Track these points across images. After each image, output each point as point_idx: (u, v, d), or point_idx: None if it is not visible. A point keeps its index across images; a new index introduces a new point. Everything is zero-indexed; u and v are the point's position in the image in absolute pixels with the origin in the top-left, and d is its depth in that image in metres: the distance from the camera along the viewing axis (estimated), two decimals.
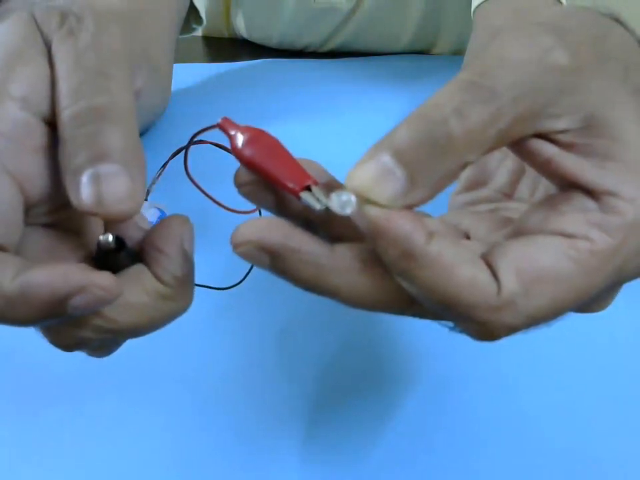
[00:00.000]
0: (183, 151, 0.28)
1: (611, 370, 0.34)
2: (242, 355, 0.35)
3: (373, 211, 0.17)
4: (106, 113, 0.20)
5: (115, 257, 0.21)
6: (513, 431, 0.30)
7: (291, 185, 0.19)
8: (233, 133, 0.20)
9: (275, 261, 0.18)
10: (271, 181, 0.19)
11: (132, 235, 0.22)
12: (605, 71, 0.20)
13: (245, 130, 0.20)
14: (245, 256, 0.18)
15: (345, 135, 0.57)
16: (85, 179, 0.19)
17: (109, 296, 0.19)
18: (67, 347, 0.21)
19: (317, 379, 0.33)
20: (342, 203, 0.17)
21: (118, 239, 0.21)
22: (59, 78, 0.21)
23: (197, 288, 0.22)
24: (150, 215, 0.43)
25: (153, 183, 0.46)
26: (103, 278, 0.19)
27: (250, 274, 0.37)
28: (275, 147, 0.20)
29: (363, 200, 0.17)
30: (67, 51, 0.21)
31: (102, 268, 0.21)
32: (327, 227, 0.21)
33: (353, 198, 0.17)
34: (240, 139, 0.20)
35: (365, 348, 0.35)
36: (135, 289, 0.20)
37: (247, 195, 0.21)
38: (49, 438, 0.30)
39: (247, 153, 0.20)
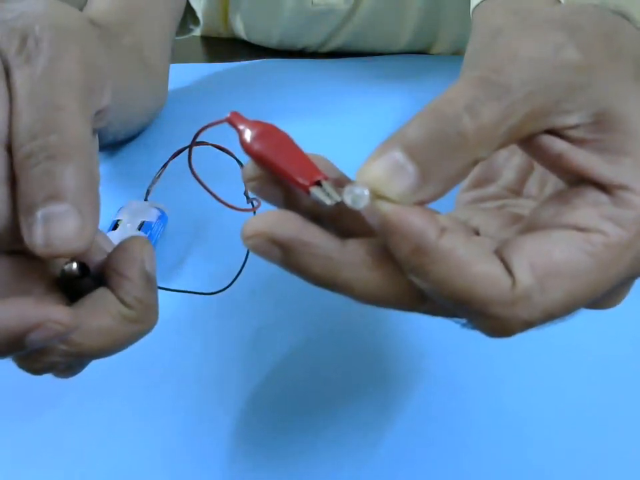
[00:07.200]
0: (184, 151, 0.28)
1: (616, 371, 0.34)
2: (235, 357, 0.35)
3: (384, 207, 0.17)
4: (57, 152, 0.20)
5: (79, 283, 0.22)
6: (513, 432, 0.30)
7: (300, 180, 0.19)
8: (241, 127, 0.20)
9: (286, 255, 0.18)
10: (280, 175, 0.19)
11: (95, 258, 0.23)
12: (616, 67, 0.20)
13: (254, 124, 0.20)
14: (255, 249, 0.18)
15: (344, 134, 0.57)
16: (35, 220, 0.19)
17: (66, 329, 0.19)
18: (36, 371, 0.21)
19: (312, 381, 0.33)
20: (355, 197, 0.17)
21: (81, 266, 0.21)
22: (15, 112, 0.21)
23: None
24: (150, 215, 0.43)
25: (153, 182, 0.46)
26: (59, 312, 0.19)
27: (241, 276, 0.37)
28: (284, 142, 0.20)
29: (374, 195, 0.17)
30: (23, 82, 0.21)
31: (66, 293, 0.22)
32: (336, 223, 0.20)
33: (366, 192, 0.17)
34: (249, 133, 0.20)
35: (361, 349, 0.35)
36: (99, 312, 0.21)
37: (255, 190, 0.20)
38: (45, 440, 0.30)
39: (256, 147, 0.19)
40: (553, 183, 0.25)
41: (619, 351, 0.35)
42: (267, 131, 0.20)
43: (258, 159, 0.19)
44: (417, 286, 0.18)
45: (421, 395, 0.32)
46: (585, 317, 0.34)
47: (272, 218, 0.18)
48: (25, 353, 0.20)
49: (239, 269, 0.38)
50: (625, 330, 0.36)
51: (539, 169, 0.26)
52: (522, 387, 0.32)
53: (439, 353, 0.34)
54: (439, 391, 0.32)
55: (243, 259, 0.38)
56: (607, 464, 0.29)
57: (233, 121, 0.21)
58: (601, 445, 0.30)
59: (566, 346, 0.35)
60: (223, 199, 0.33)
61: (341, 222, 0.20)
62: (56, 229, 0.19)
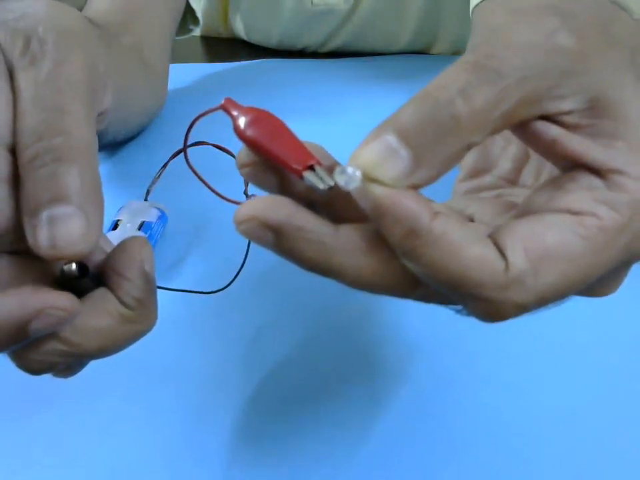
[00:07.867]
0: (183, 143, 0.28)
1: (609, 368, 0.33)
2: (235, 356, 0.35)
3: (377, 190, 0.17)
4: (63, 154, 0.20)
5: (79, 283, 0.22)
6: (504, 428, 0.30)
7: (294, 165, 0.19)
8: (235, 113, 0.20)
9: (279, 239, 0.18)
10: (273, 161, 0.19)
11: (94, 258, 0.23)
12: (611, 54, 0.20)
13: (248, 110, 0.20)
14: (247, 233, 0.18)
15: (344, 134, 0.57)
16: (40, 221, 0.20)
17: (67, 315, 0.19)
18: (35, 371, 0.21)
19: (312, 379, 0.33)
20: (347, 178, 0.17)
21: (81, 266, 0.21)
22: (19, 114, 0.21)
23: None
24: (150, 215, 0.43)
25: (153, 182, 0.46)
26: (60, 298, 0.19)
27: (240, 276, 0.37)
28: (278, 128, 0.20)
29: (367, 179, 0.17)
30: (28, 85, 0.22)
31: None
32: (329, 209, 0.20)
33: (358, 173, 0.17)
34: (243, 120, 0.20)
35: (362, 347, 0.35)
36: (98, 312, 0.21)
37: (249, 177, 0.20)
38: (44, 439, 0.30)
39: (250, 133, 0.19)
40: (549, 171, 0.25)
41: (612, 347, 0.34)
42: (260, 117, 0.20)
43: (251, 144, 0.19)
44: (410, 271, 0.18)
45: (420, 392, 0.32)
46: (577, 311, 0.34)
47: (265, 203, 0.18)
48: (25, 345, 0.20)
49: (238, 268, 0.38)
50: (619, 326, 0.36)
51: (534, 158, 0.26)
52: (513, 383, 0.32)
53: (436, 350, 0.34)
54: (436, 388, 0.32)
55: (243, 259, 0.38)
56: (600, 459, 0.29)
57: (227, 107, 0.21)
58: (593, 440, 0.30)
59: (557, 340, 0.34)
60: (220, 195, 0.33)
61: (335, 208, 0.20)
62: (61, 231, 0.19)
